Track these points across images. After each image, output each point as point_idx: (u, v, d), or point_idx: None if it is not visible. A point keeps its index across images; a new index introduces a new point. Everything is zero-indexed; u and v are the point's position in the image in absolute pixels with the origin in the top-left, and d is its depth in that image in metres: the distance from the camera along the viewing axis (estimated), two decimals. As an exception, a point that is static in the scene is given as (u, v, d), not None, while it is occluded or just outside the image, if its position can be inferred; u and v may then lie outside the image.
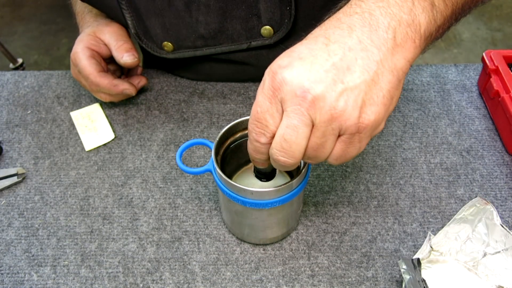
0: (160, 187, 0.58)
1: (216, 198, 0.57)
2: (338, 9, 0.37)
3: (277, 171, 0.48)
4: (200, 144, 0.52)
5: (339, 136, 0.35)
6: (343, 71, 0.33)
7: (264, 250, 0.52)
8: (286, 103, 0.34)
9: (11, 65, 1.88)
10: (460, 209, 0.52)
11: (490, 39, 2.11)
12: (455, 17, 0.41)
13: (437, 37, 0.40)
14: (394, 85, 0.35)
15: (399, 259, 0.48)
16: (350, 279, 0.50)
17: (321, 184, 0.58)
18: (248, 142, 0.39)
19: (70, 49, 0.63)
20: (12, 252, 0.53)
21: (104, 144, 0.63)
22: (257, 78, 0.57)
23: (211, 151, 0.47)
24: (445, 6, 0.38)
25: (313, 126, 0.35)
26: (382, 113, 0.34)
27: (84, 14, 0.67)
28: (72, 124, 0.66)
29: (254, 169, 0.46)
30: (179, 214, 0.56)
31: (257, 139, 0.37)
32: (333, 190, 0.58)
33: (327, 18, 0.37)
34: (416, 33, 0.35)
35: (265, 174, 0.46)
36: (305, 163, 0.44)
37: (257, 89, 0.37)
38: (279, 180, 0.50)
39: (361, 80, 0.33)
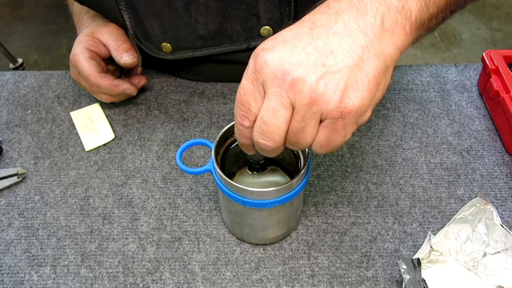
0: (160, 187, 0.58)
1: (216, 198, 0.57)
2: None
3: (271, 167, 0.48)
4: (200, 144, 0.52)
5: (322, 122, 0.35)
6: (326, 55, 0.33)
7: (264, 250, 0.52)
8: (267, 85, 0.34)
9: (11, 65, 1.88)
10: (460, 209, 0.52)
11: (490, 39, 2.11)
12: (450, 8, 0.40)
13: (430, 27, 0.39)
14: (381, 71, 0.34)
15: (399, 259, 0.48)
16: (350, 279, 0.50)
17: (321, 184, 0.58)
18: (234, 126, 0.38)
19: (70, 49, 0.63)
20: (12, 252, 0.53)
21: (104, 144, 0.63)
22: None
23: (211, 151, 0.47)
24: None
25: (293, 109, 0.34)
26: (367, 98, 0.33)
27: (82, 15, 0.67)
28: (72, 124, 0.66)
29: (246, 160, 0.46)
30: (179, 214, 0.56)
31: (241, 122, 0.36)
32: (333, 190, 0.57)
33: (318, 4, 0.36)
34: (406, 20, 0.35)
35: (256, 164, 0.45)
36: (305, 163, 0.44)
37: None
38: (279, 180, 0.50)
39: (344, 64, 0.33)
